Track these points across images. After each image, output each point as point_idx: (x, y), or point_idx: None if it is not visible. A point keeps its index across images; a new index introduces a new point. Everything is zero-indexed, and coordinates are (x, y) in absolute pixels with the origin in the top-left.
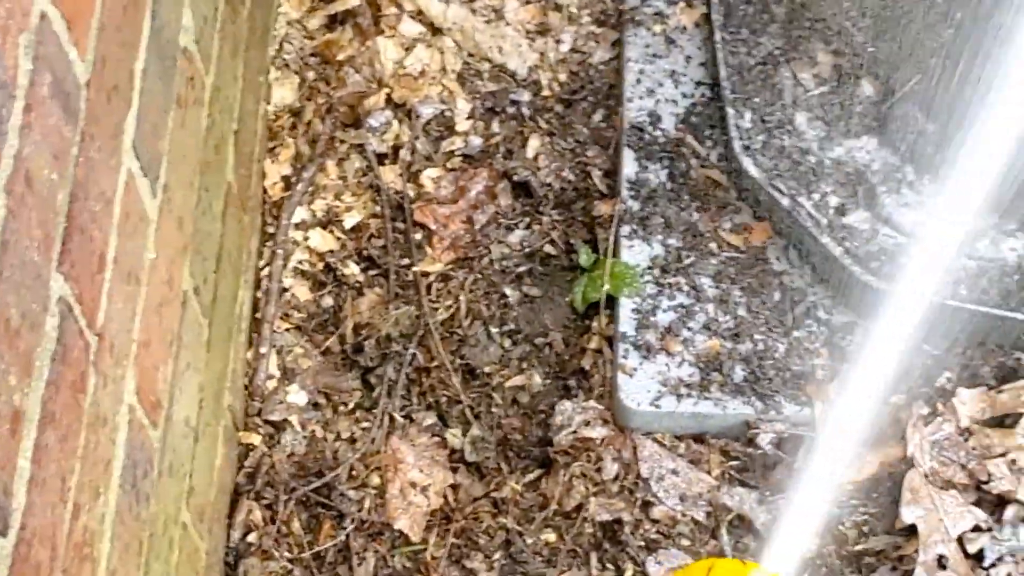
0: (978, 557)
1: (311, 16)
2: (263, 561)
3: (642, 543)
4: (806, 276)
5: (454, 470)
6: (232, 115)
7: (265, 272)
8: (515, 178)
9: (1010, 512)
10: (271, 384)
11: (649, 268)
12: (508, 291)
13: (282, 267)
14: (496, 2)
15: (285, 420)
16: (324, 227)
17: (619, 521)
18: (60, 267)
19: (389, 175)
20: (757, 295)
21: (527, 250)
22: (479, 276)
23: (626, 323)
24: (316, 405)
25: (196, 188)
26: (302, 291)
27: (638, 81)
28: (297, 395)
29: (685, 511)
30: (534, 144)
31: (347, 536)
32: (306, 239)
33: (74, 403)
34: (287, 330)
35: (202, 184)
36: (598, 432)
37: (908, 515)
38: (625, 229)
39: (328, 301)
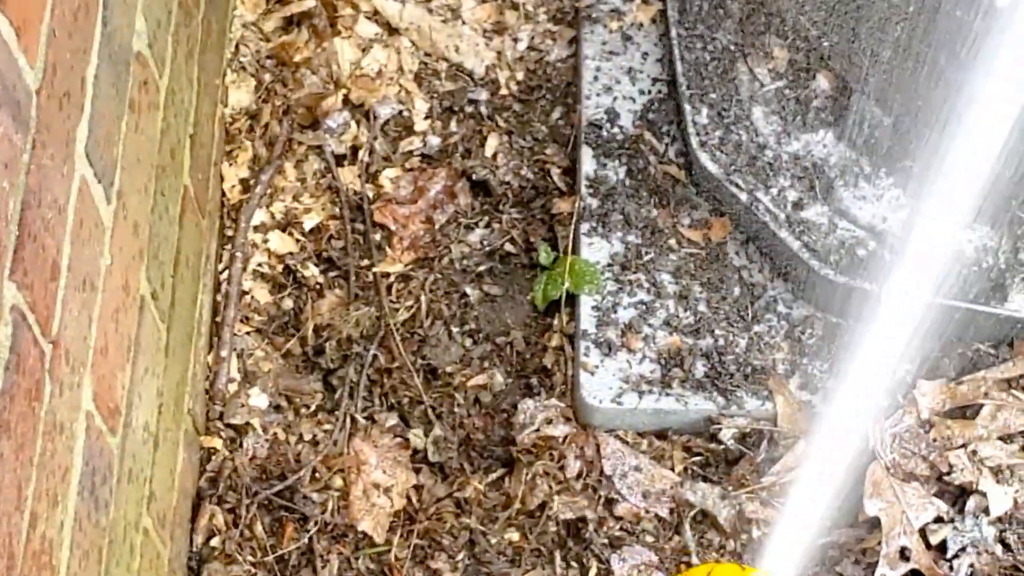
0: (941, 548)
1: (267, 18)
2: (226, 565)
3: (606, 541)
4: (765, 271)
5: (417, 471)
6: (188, 119)
7: (224, 275)
8: (474, 177)
9: (972, 503)
10: (232, 388)
11: (609, 265)
12: (469, 290)
13: (241, 270)
14: (452, 1)
15: (247, 423)
16: (283, 229)
17: (583, 519)
18: (12, 275)
19: (348, 176)
20: (717, 291)
21: (487, 249)
22: (439, 276)
23: (587, 320)
24: (278, 408)
25: (152, 193)
26: (262, 294)
27: (595, 78)
28: (258, 398)
29: (648, 508)
30: (492, 143)
31: (310, 539)
32: (265, 241)
33: (29, 412)
34: (247, 333)
35: (158, 189)
36: (560, 430)
37: (870, 508)
38: (584, 227)
39: (288, 303)
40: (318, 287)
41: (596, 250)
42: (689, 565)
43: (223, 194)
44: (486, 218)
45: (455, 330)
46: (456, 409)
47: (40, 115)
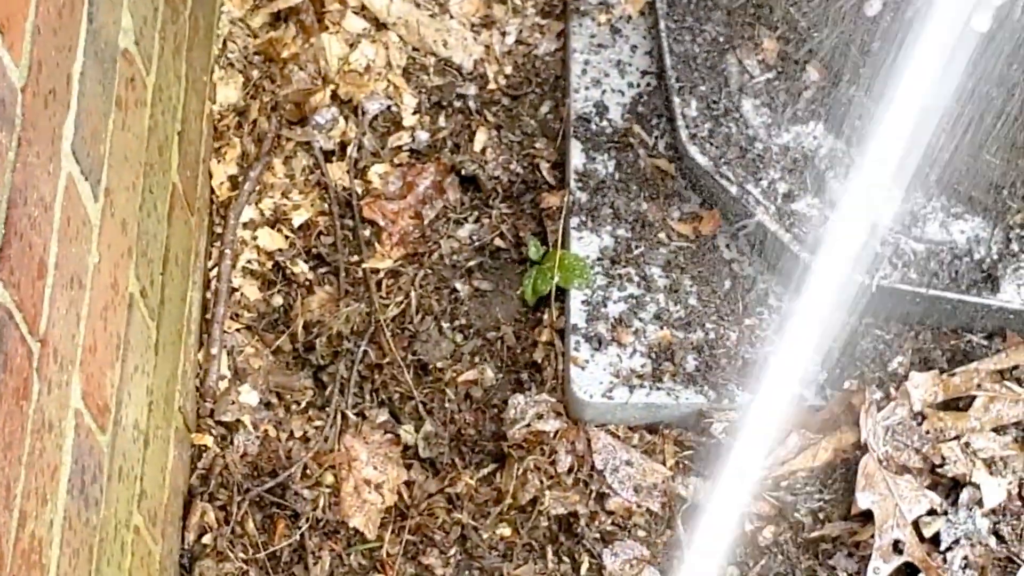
0: (934, 541)
1: (254, 14)
2: (218, 563)
3: (598, 535)
4: (756, 264)
5: (408, 467)
6: (176, 116)
7: (214, 272)
8: (463, 172)
9: (965, 495)
10: (223, 385)
11: (599, 259)
12: (458, 286)
13: (231, 267)
14: None
15: (237, 420)
16: (272, 226)
17: (574, 514)
18: None
19: (336, 172)
20: (707, 284)
21: (477, 244)
22: (429, 271)
23: (577, 315)
24: (268, 405)
25: (140, 190)
26: (252, 291)
27: (584, 72)
28: (249, 395)
29: (640, 502)
30: (481, 138)
31: (302, 535)
32: (255, 238)
33: (17, 411)
34: (237, 330)
35: (146, 186)
36: (551, 425)
37: (863, 501)
38: (574, 221)
39: (278, 300)
40: (308, 283)
41: (586, 244)
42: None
43: (212, 191)
44: (475, 213)
45: (445, 326)
46: (447, 405)
47: (25, 113)
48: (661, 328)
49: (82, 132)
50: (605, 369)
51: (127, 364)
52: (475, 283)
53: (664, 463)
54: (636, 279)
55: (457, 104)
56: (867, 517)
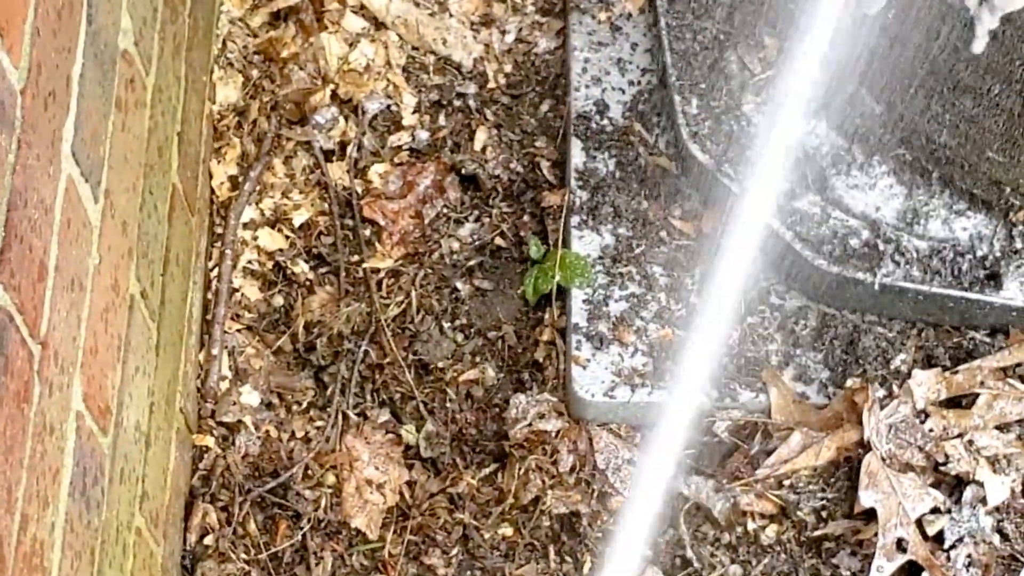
0: (938, 539)
1: (254, 14)
2: (220, 563)
3: (600, 535)
4: (757, 262)
5: (409, 467)
6: (175, 116)
7: (214, 273)
8: (463, 171)
9: (968, 493)
10: (224, 385)
11: (600, 258)
12: (459, 285)
13: (231, 267)
14: None
15: (239, 421)
16: (273, 226)
17: (576, 513)
18: None
19: (337, 172)
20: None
21: (477, 243)
22: (430, 271)
23: (578, 314)
24: (269, 405)
25: (140, 191)
26: (252, 291)
27: (584, 70)
28: (250, 396)
29: None
30: (481, 136)
31: (304, 536)
32: (255, 238)
33: (19, 413)
34: (238, 331)
35: (146, 187)
36: (553, 424)
37: (866, 499)
38: (575, 219)
39: (279, 300)
40: (308, 284)
41: (586, 243)
42: (684, 559)
43: (212, 191)
44: (476, 212)
45: (446, 325)
46: (448, 404)
47: (25, 115)
48: (663, 327)
49: (82, 134)
50: (607, 368)
51: (128, 365)
52: (476, 282)
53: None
54: (637, 278)
55: (457, 103)
56: (870, 515)
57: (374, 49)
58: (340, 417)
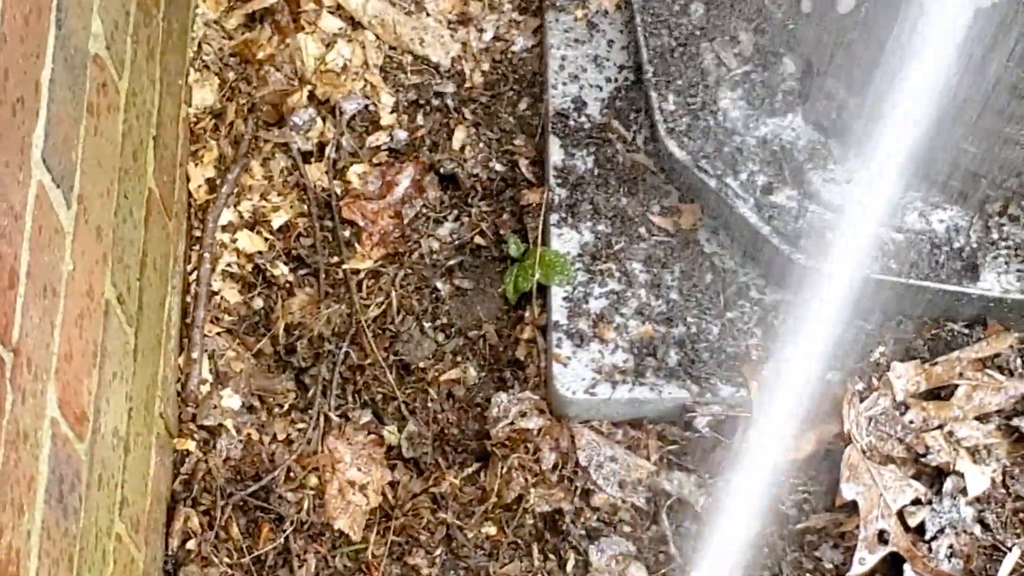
0: (919, 530)
1: (229, 16)
2: (203, 568)
3: (583, 532)
4: (736, 257)
5: (392, 467)
6: (150, 120)
7: (193, 276)
8: (442, 170)
9: (949, 484)
10: (204, 389)
11: (579, 255)
12: (439, 285)
13: (210, 270)
14: None
15: (220, 425)
16: (251, 228)
17: (559, 511)
18: None
19: (315, 173)
20: (688, 278)
21: (457, 242)
22: (410, 271)
23: (558, 312)
24: (251, 408)
25: (115, 196)
26: (232, 294)
27: (561, 67)
28: (231, 399)
29: (625, 498)
30: (460, 135)
31: (287, 538)
32: (234, 241)
33: None
34: (218, 334)
35: (121, 192)
36: (535, 422)
37: (848, 491)
38: (554, 217)
39: (258, 303)
40: (288, 285)
41: (566, 241)
42: (667, 554)
43: (189, 195)
44: (455, 211)
45: (427, 325)
46: (430, 404)
47: None
48: (643, 323)
49: (52, 140)
50: (587, 365)
51: (105, 371)
52: (456, 282)
53: (648, 458)
54: (617, 274)
55: (435, 102)
56: (852, 508)
57: (351, 49)
58: (322, 419)
